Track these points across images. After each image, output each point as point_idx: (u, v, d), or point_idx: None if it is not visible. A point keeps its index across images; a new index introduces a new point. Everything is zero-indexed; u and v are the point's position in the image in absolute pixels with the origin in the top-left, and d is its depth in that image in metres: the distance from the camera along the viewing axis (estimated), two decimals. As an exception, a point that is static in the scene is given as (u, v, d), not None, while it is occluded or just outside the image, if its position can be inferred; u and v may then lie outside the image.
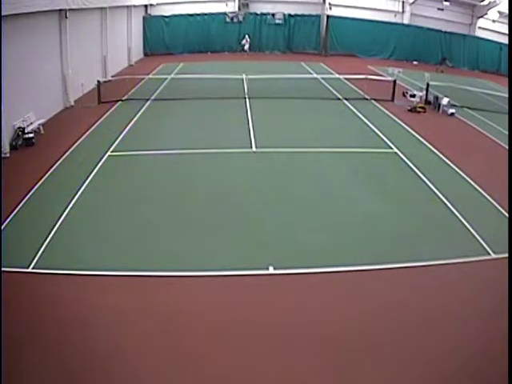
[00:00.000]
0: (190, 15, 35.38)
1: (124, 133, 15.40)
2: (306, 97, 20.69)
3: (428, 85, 20.97)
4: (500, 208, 10.50)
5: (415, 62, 34.67)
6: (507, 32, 31.42)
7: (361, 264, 8.27)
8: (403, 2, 35.92)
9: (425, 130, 16.49)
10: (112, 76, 24.04)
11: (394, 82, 21.34)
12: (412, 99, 20.30)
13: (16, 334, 6.36)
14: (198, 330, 6.64)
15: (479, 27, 35.32)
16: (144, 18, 34.19)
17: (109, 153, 13.46)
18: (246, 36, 35.48)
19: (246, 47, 35.57)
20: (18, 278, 7.63)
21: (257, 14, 36.49)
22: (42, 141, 14.51)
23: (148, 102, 19.53)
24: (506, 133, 16.52)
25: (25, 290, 7.41)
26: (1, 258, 7.68)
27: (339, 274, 8.05)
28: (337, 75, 25.76)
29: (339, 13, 36.26)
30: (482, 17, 34.90)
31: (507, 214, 10.10)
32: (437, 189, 11.46)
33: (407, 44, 35.44)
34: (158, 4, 35.04)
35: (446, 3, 34.57)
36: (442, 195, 11.11)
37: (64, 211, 9.87)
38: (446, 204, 10.70)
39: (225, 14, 36.07)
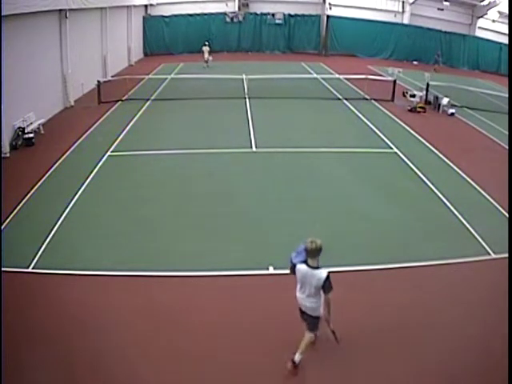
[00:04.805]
0: (190, 15, 35.45)
1: (124, 133, 15.41)
2: (306, 97, 20.68)
3: (428, 85, 20.98)
4: (500, 208, 10.49)
5: (415, 62, 34.70)
6: (507, 32, 31.44)
7: (361, 264, 8.27)
8: (403, 2, 35.95)
9: (425, 130, 16.49)
10: (112, 76, 24.06)
11: (394, 82, 21.35)
12: (412, 99, 20.31)
13: (16, 333, 6.35)
14: (198, 331, 6.63)
15: (479, 27, 35.36)
16: (144, 18, 34.24)
17: (109, 153, 13.47)
18: (206, 42, 29.76)
19: (206, 56, 28.33)
20: (18, 278, 7.62)
21: (257, 14, 36.54)
22: (42, 141, 14.52)
23: (148, 102, 19.53)
24: (506, 133, 16.50)
25: (25, 290, 7.40)
26: (1, 257, 7.69)
27: (339, 274, 8.01)
28: (337, 75, 25.75)
29: (339, 13, 36.30)
30: (481, 17, 34.93)
31: (507, 214, 10.09)
32: (437, 189, 11.46)
33: (407, 44, 35.49)
34: (157, 4, 35.08)
35: (446, 3, 34.60)
36: (442, 195, 11.10)
37: (64, 211, 9.87)
38: (446, 204, 10.69)
39: (225, 14, 36.14)
